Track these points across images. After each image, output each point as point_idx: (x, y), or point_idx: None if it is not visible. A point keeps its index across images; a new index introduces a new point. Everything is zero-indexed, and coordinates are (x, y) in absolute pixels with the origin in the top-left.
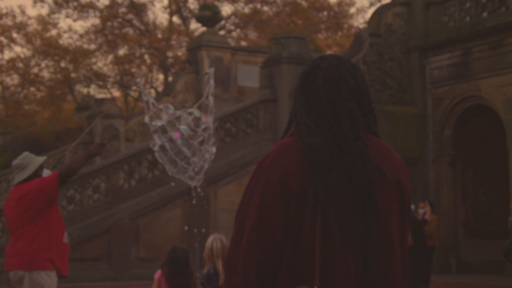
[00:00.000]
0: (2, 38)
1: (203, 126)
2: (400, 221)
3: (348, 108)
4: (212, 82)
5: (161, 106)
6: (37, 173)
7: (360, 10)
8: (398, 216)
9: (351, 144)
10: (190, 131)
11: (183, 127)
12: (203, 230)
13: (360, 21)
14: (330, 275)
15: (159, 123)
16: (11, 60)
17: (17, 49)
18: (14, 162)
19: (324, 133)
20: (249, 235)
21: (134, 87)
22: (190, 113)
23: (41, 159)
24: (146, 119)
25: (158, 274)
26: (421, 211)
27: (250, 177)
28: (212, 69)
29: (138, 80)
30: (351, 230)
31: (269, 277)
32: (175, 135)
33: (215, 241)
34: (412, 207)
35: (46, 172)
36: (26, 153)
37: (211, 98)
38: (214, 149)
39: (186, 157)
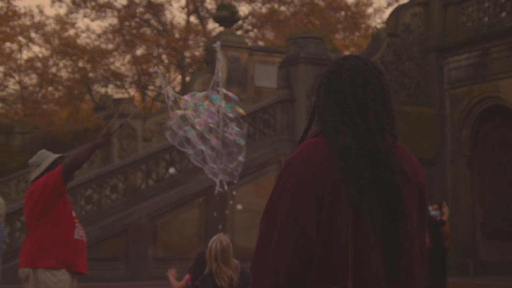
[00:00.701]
0: (21, 38)
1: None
2: (419, 222)
3: (375, 110)
4: (219, 56)
5: (185, 97)
6: (50, 170)
7: (378, 10)
8: (417, 217)
9: (379, 145)
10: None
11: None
12: (220, 227)
13: (377, 21)
14: (362, 275)
15: (179, 113)
16: (30, 60)
17: (36, 48)
18: (30, 160)
19: (352, 134)
20: (279, 235)
21: (153, 74)
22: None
23: (54, 156)
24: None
25: (187, 277)
26: (434, 212)
27: (277, 178)
28: (218, 42)
29: (156, 68)
30: (381, 230)
31: (299, 278)
32: (199, 122)
33: (215, 242)
34: (430, 208)
35: None
36: (42, 151)
37: (220, 75)
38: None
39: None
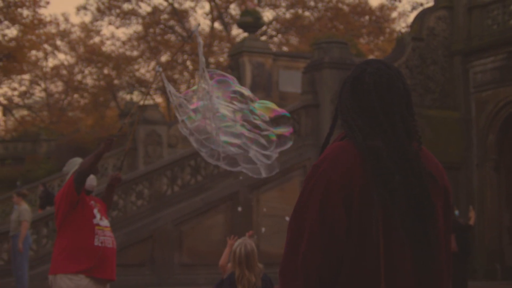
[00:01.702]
0: (47, 46)
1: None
2: (445, 225)
3: (400, 113)
4: (200, 40)
5: (182, 96)
6: None
7: (402, 14)
8: (443, 220)
9: (407, 149)
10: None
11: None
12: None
13: (402, 25)
14: (394, 278)
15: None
16: (55, 68)
17: (61, 56)
18: (63, 169)
19: (380, 137)
20: (309, 239)
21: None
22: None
23: (78, 163)
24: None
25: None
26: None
27: (304, 181)
28: (198, 26)
29: (157, 67)
30: (411, 233)
31: (330, 282)
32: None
33: (239, 246)
34: (456, 212)
35: (90, 178)
36: (72, 159)
37: (201, 57)
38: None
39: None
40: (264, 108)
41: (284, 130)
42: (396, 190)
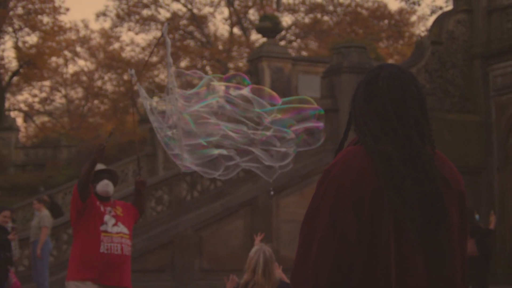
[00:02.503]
0: (67, 52)
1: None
2: (460, 230)
3: (414, 117)
4: (168, 40)
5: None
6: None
7: (421, 18)
8: (458, 224)
9: (420, 153)
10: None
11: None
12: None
13: (421, 29)
14: (405, 282)
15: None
16: (75, 74)
17: (81, 62)
18: None
19: (392, 142)
20: (320, 243)
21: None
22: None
23: (99, 167)
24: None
25: None
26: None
27: (316, 186)
28: (166, 25)
29: (130, 70)
30: (423, 237)
31: (341, 285)
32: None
33: (257, 253)
34: (476, 216)
35: (104, 184)
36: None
37: (169, 58)
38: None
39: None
40: (284, 109)
41: (309, 124)
42: (407, 194)
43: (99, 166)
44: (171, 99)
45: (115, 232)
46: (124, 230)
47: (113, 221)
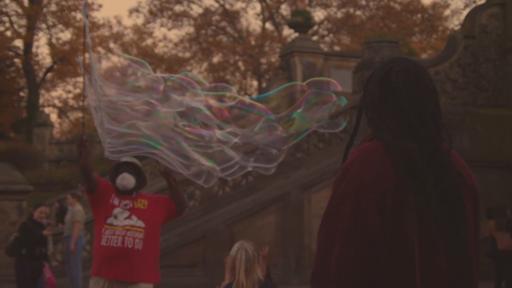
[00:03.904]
0: (100, 49)
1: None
2: (474, 226)
3: (431, 111)
4: (87, 22)
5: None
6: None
7: (455, 12)
8: (473, 220)
9: (438, 149)
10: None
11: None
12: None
13: (455, 23)
14: (429, 279)
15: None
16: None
17: (114, 59)
18: None
19: (410, 138)
20: (342, 242)
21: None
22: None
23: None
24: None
25: None
26: None
27: (334, 185)
28: (85, 4)
29: (77, 58)
30: (445, 233)
31: (365, 286)
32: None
33: (239, 250)
34: (508, 212)
35: (121, 177)
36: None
37: (88, 40)
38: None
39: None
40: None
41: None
42: (430, 192)
43: (125, 158)
44: (93, 83)
45: (122, 225)
46: (138, 223)
47: (126, 214)
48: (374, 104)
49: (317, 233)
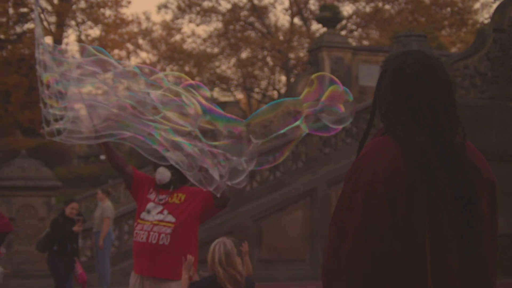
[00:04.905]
0: (129, 45)
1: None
2: (491, 220)
3: (444, 104)
4: (40, 6)
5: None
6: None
7: (485, 5)
8: (489, 214)
9: (452, 142)
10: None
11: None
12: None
13: (485, 16)
14: (441, 274)
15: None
16: None
17: (143, 55)
18: None
19: (423, 131)
20: (353, 238)
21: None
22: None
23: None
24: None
25: None
26: None
27: (345, 178)
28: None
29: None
30: (458, 228)
31: (375, 279)
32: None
33: (218, 244)
34: None
35: (157, 171)
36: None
37: (38, 28)
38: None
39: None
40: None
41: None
42: (443, 186)
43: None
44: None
45: (151, 220)
46: (168, 218)
47: (158, 208)
48: (387, 97)
49: None
